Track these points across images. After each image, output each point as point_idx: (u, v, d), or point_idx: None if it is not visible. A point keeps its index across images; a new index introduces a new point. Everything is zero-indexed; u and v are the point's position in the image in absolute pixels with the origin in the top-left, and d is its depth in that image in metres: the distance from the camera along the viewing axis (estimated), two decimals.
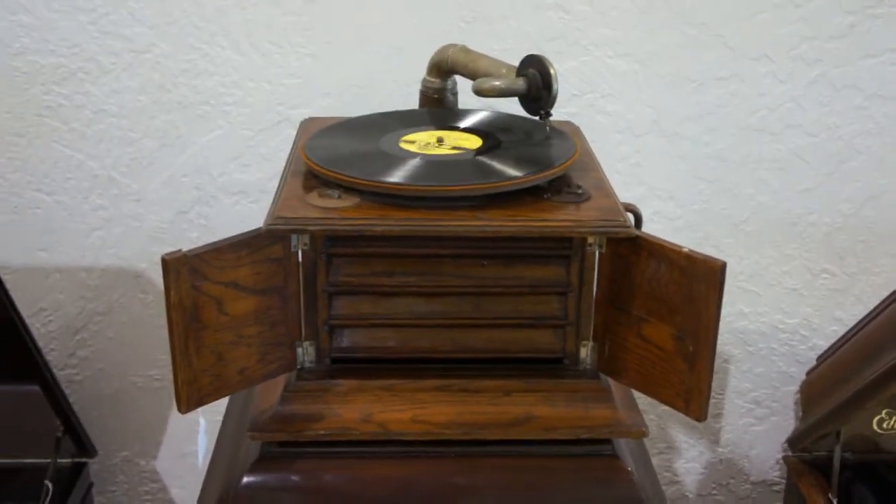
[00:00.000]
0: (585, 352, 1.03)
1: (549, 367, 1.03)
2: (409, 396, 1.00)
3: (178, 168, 1.47)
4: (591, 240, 0.99)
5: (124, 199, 1.48)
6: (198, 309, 0.92)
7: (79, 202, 1.48)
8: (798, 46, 1.44)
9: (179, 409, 0.93)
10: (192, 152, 1.47)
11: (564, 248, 0.99)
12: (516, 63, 1.12)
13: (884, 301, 1.39)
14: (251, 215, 1.50)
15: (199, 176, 1.48)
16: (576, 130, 1.23)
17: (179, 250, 0.90)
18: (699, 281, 0.92)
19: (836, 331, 1.60)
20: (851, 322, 1.59)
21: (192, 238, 1.50)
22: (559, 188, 1.00)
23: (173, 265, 0.89)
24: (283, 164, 1.46)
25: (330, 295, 0.99)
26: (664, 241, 0.94)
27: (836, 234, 1.55)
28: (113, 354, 1.58)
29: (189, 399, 0.93)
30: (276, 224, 0.92)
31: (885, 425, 1.44)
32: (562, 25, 1.43)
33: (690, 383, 0.94)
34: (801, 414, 1.62)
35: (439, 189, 0.95)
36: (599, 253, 0.99)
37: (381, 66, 1.43)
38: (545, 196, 0.99)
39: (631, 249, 0.97)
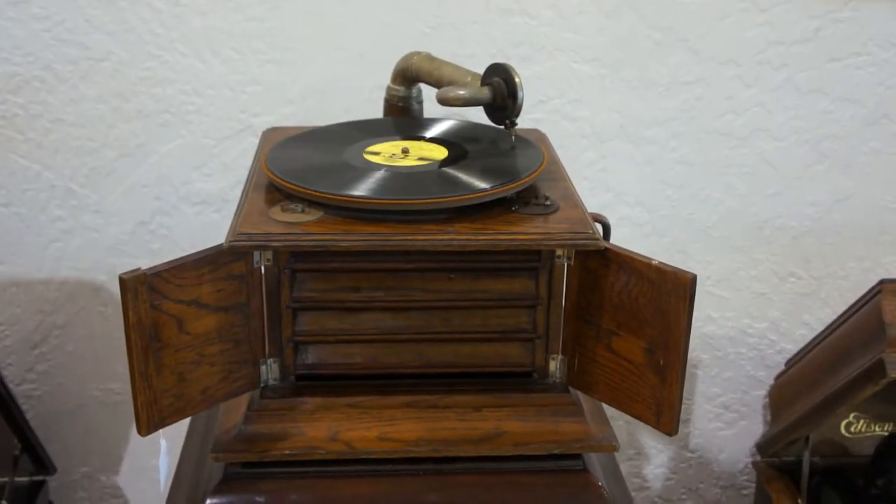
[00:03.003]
0: (555, 365, 1.01)
1: (519, 382, 1.02)
2: (376, 414, 0.98)
3: (139, 178, 1.44)
4: (559, 252, 0.97)
5: (83, 210, 1.45)
6: (158, 328, 0.89)
7: (36, 213, 1.45)
8: (764, 51, 1.44)
9: (139, 432, 0.91)
10: (153, 162, 1.44)
11: (532, 260, 0.98)
12: (481, 70, 1.10)
13: (852, 306, 1.39)
14: (214, 225, 1.47)
15: (159, 186, 1.45)
16: (542, 138, 1.22)
17: (138, 269, 0.87)
18: (669, 294, 0.90)
19: (804, 334, 1.61)
20: (819, 326, 1.59)
21: (154, 249, 1.47)
22: (527, 200, 0.99)
23: (131, 284, 0.86)
24: (246, 173, 1.44)
25: (294, 311, 0.97)
26: (633, 253, 0.93)
27: (803, 237, 1.55)
28: (72, 368, 1.54)
29: (149, 421, 0.90)
30: (237, 240, 0.90)
31: (852, 429, 1.44)
32: (527, 30, 1.41)
33: (661, 397, 0.93)
34: (769, 418, 1.62)
35: (405, 203, 0.93)
36: (568, 265, 0.98)
37: (345, 73, 1.41)
38: (513, 208, 0.97)
39: (600, 262, 0.95)
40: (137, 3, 1.35)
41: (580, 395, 1.02)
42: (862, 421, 1.43)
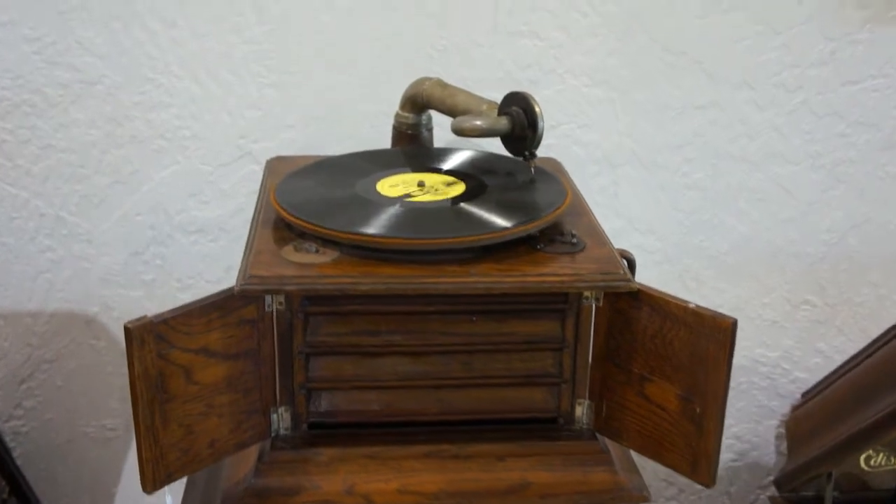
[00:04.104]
0: (581, 410, 0.96)
1: (544, 428, 0.97)
2: (395, 465, 0.93)
3: (132, 206, 1.38)
4: (587, 293, 0.92)
5: (74, 240, 1.39)
6: (164, 379, 0.84)
7: (24, 243, 1.39)
8: (779, 73, 1.40)
9: (145, 490, 0.85)
10: (147, 189, 1.38)
11: (559, 302, 0.93)
12: (493, 96, 1.06)
13: (877, 340, 1.34)
14: (210, 255, 1.41)
15: (154, 214, 1.39)
16: (559, 168, 1.17)
17: (144, 316, 0.82)
18: (707, 339, 0.86)
19: (818, 363, 1.56)
20: (834, 354, 1.55)
21: (147, 280, 1.41)
22: (552, 237, 0.94)
23: (137, 333, 0.81)
24: (244, 200, 1.39)
25: (307, 356, 0.92)
26: (668, 295, 0.88)
27: (817, 264, 1.51)
28: (62, 404, 1.48)
29: (155, 478, 0.85)
30: (249, 284, 0.85)
31: (872, 462, 1.40)
32: (536, 53, 1.37)
33: (698, 447, 0.89)
34: (784, 450, 1.58)
35: (427, 242, 0.88)
36: (596, 307, 0.93)
37: (347, 98, 1.36)
38: (538, 246, 0.92)
39: (631, 303, 0.91)
40: (131, 25, 1.30)
41: (608, 441, 0.97)
42: (882, 454, 1.38)
